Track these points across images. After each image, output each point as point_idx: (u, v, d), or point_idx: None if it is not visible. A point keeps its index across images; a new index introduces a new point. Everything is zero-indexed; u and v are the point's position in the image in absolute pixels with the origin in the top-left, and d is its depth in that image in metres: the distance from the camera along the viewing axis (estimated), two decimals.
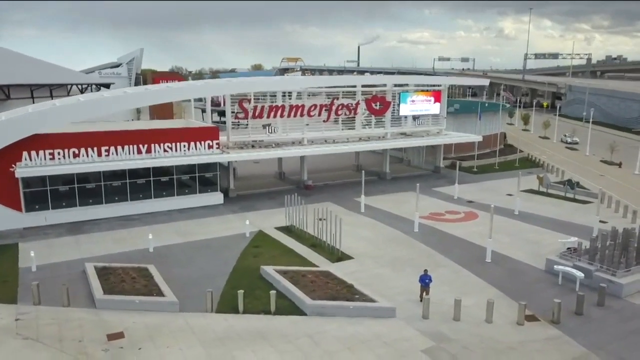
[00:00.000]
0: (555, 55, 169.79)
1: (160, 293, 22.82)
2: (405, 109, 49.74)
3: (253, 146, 42.51)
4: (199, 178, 38.53)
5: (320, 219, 30.35)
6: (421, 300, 22.02)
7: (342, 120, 46.59)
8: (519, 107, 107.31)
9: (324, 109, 44.89)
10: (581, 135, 76.46)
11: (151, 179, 36.56)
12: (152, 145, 35.45)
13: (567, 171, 53.45)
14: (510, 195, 42.96)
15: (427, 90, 50.84)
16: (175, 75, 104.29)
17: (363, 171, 40.99)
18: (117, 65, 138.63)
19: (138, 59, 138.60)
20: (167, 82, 63.56)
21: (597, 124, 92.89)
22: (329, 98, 45.26)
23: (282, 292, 23.30)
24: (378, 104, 47.82)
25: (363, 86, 47.56)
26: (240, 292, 22.09)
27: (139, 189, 36.36)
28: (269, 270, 25.16)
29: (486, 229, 28.79)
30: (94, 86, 69.82)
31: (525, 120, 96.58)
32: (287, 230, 33.08)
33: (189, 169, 37.86)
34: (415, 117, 50.96)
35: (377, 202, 40.51)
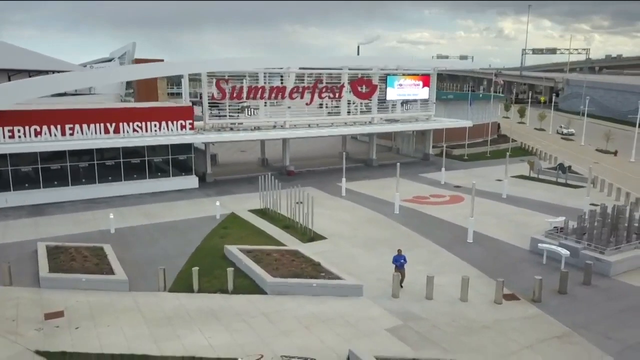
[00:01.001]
0: (553, 51, 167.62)
1: (110, 272, 21.12)
2: (393, 93, 47.99)
3: (232, 129, 40.79)
4: (173, 160, 36.81)
5: (298, 202, 28.55)
6: (401, 286, 19.95)
7: (326, 104, 44.93)
8: (514, 102, 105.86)
9: (306, 91, 43.17)
10: (577, 127, 74.76)
11: (121, 160, 34.83)
12: (120, 124, 33.70)
13: (559, 157, 51.72)
14: (499, 180, 41.16)
15: (415, 74, 49.09)
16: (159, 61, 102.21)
17: (344, 153, 39.30)
18: (110, 60, 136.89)
19: (130, 53, 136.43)
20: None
21: (595, 117, 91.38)
22: (311, 80, 43.52)
23: (244, 270, 21.65)
24: (364, 87, 46.10)
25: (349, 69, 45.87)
26: (195, 269, 20.40)
27: (107, 171, 34.62)
28: (232, 249, 23.45)
29: (470, 211, 27.08)
30: None
31: (521, 113, 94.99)
32: (262, 212, 31.37)
33: (162, 150, 36.13)
34: (403, 102, 49.25)
35: (360, 187, 38.82)
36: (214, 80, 38.87)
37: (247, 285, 20.54)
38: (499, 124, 74.27)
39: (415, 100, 49.87)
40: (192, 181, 37.48)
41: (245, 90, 40.08)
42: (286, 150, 44.15)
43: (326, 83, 43.99)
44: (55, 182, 33.16)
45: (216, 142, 42.09)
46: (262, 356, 14.27)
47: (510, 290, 20.16)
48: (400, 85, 48.18)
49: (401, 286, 19.94)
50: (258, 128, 41.60)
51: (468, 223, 26.73)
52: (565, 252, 22.40)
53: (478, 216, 29.66)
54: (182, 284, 20.70)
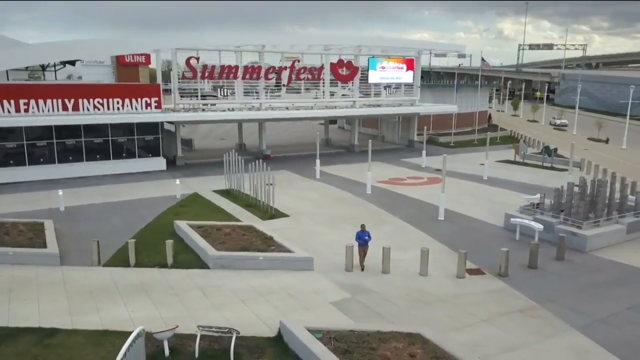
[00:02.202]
0: (550, 46, 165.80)
1: (43, 246, 19.42)
2: (375, 76, 46.25)
3: (204, 110, 39.06)
4: (139, 141, 35.10)
5: (268, 184, 26.70)
6: (362, 268, 18.00)
7: (305, 87, 43.27)
8: (509, 98, 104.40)
9: (283, 71, 41.46)
10: (571, 119, 73.06)
11: (82, 139, 33.14)
12: (80, 100, 31.95)
13: (545, 141, 49.98)
14: (483, 164, 39.57)
15: (399, 57, 47.36)
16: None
17: (318, 134, 37.60)
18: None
19: None
20: (132, 57, 60.44)
21: (591, 110, 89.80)
22: (288, 60, 41.85)
23: (190, 245, 20.02)
24: (344, 69, 44.38)
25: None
26: (132, 241, 18.73)
27: (68, 151, 32.91)
28: (181, 225, 21.75)
29: (448, 191, 25.40)
30: (57, 63, 66.15)
31: (515, 106, 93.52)
32: (226, 193, 29.70)
33: (127, 130, 34.43)
34: (386, 86, 47.56)
35: (337, 170, 37.14)
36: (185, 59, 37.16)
37: (191, 260, 18.87)
38: (490, 114, 72.61)
39: (399, 85, 48.21)
40: (159, 163, 35.77)
41: (217, 69, 38.39)
42: (262, 134, 42.48)
43: (304, 64, 42.32)
44: (11, 161, 31.45)
45: (187, 124, 40.42)
46: (176, 327, 12.58)
47: (477, 265, 18.50)
48: (383, 68, 46.45)
49: (362, 267, 18.05)
50: (232, 109, 39.89)
51: (438, 199, 25.03)
52: (538, 226, 20.71)
53: (454, 196, 28.15)
54: (120, 259, 19.00)
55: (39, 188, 30.33)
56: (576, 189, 22.48)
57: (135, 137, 34.81)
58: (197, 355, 12.18)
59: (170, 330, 12.30)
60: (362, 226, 18.70)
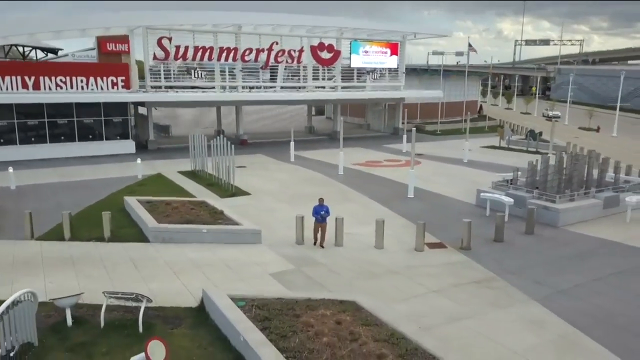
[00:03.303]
0: (546, 42, 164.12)
1: None
2: (358, 60, 44.88)
3: (177, 92, 37.70)
4: (106, 122, 33.75)
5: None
6: (315, 243, 16.38)
7: (289, 75, 41.88)
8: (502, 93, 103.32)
9: (261, 53, 40.08)
10: (564, 111, 71.77)
11: (45, 120, 31.80)
12: (41, 77, 30.59)
13: (529, 126, 48.67)
14: (468, 150, 38.39)
15: (382, 41, 46.01)
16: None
17: (290, 119, 36.16)
18: (93, 49, 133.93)
19: None
20: (115, 45, 58.96)
21: (586, 104, 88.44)
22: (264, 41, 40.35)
23: (135, 220, 18.70)
24: (325, 52, 43.03)
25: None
26: (66, 213, 17.41)
27: (30, 131, 31.59)
28: (130, 200, 20.43)
29: (423, 172, 24.10)
30: (38, 50, 64.72)
31: (509, 99, 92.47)
32: (191, 174, 28.40)
33: (93, 111, 33.06)
34: (369, 71, 46.20)
35: (314, 155, 35.77)
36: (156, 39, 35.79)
37: (133, 234, 17.54)
38: (481, 105, 71.35)
39: (383, 72, 46.85)
40: (128, 146, 34.43)
41: (191, 50, 37.04)
42: (239, 119, 41.15)
43: (283, 46, 40.95)
44: None
45: (158, 105, 39.07)
46: (81, 293, 11.28)
47: (440, 239, 17.19)
48: (366, 52, 45.09)
49: (322, 246, 16.37)
50: (205, 90, 38.50)
51: (407, 176, 23.71)
52: (508, 199, 19.38)
53: (429, 176, 27.00)
54: (56, 233, 17.66)
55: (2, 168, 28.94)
56: (552, 163, 21.17)
57: (102, 118, 33.49)
58: (102, 325, 10.85)
59: (74, 296, 10.99)
60: (320, 200, 16.93)
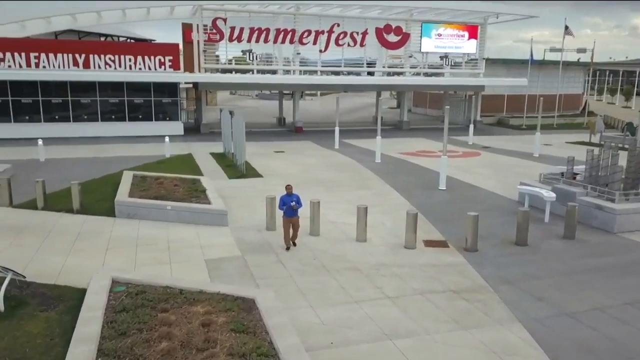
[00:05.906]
0: None
1: None
2: (429, 45, 40.94)
3: (232, 72, 36.76)
4: (155, 102, 33.60)
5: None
6: (289, 248, 12.59)
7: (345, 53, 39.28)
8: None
9: (320, 35, 37.84)
10: None
11: (97, 98, 32.27)
12: (91, 56, 30.96)
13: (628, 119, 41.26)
14: (548, 145, 33.27)
15: (459, 23, 41.56)
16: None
17: (338, 98, 33.43)
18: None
19: None
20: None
21: None
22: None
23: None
24: (392, 34, 39.70)
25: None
26: (39, 183, 16.51)
27: (82, 109, 32.22)
28: (127, 174, 19.32)
29: (470, 163, 20.51)
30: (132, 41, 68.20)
31: (627, 97, 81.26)
32: (220, 155, 26.99)
33: (144, 90, 33.01)
34: (442, 56, 42.06)
35: (363, 143, 32.75)
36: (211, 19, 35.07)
37: (106, 208, 16.19)
38: (586, 100, 62.98)
39: (459, 56, 42.45)
40: (176, 127, 33.89)
41: (246, 31, 35.84)
42: (296, 105, 39.29)
43: (345, 27, 38.36)
44: (27, 117, 31.35)
45: (210, 87, 38.45)
46: None
47: (446, 237, 13.80)
48: (439, 35, 40.98)
49: (294, 244, 12.82)
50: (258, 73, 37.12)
51: (441, 165, 20.16)
52: (549, 195, 15.28)
53: (473, 167, 23.22)
54: (34, 202, 16.89)
55: (52, 143, 29.59)
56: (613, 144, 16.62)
57: (152, 98, 33.34)
58: None
59: None
60: (288, 188, 12.70)
